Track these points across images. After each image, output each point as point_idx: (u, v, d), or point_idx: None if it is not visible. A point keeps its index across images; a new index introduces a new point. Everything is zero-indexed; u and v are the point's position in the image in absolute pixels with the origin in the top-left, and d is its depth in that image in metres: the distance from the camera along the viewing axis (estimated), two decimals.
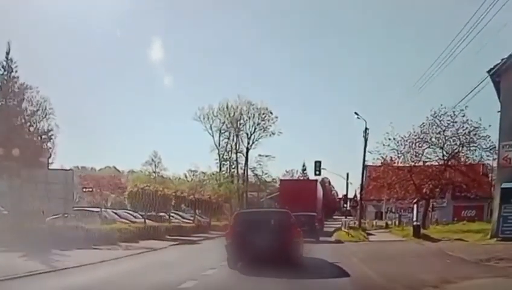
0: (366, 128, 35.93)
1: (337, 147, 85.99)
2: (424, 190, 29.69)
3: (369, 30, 69.68)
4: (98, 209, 23.03)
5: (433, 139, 30.40)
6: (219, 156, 60.45)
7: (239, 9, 67.91)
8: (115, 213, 24.84)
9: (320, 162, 36.70)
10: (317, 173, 36.81)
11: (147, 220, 24.95)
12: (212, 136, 59.00)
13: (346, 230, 27.21)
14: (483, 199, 42.49)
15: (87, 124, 74.24)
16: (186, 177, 59.96)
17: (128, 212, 26.16)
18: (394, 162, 30.64)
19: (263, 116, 58.30)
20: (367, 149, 33.99)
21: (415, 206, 24.00)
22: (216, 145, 59.74)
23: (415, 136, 30.72)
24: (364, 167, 35.39)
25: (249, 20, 70.17)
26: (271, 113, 58.18)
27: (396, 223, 43.96)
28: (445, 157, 31.10)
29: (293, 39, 72.86)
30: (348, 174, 41.95)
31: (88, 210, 22.34)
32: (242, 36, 74.31)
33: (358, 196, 43.49)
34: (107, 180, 48.37)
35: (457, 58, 21.15)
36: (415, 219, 23.40)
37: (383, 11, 64.38)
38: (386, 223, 41.86)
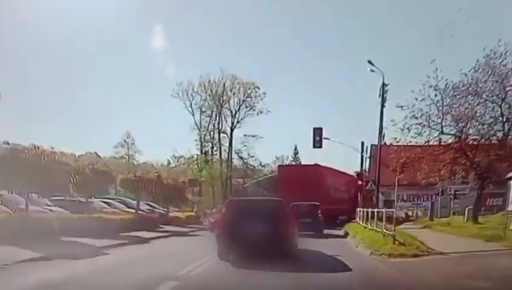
0: (384, 84, 26.08)
1: (340, 120, 68.87)
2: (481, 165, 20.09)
3: None
4: None
5: (490, 88, 20.80)
6: (200, 136, 55.00)
7: None
8: None
9: (321, 129, 26.42)
10: (318, 144, 26.60)
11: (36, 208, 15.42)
12: (193, 114, 53.12)
13: (383, 230, 14.79)
14: None
15: (66, 108, 66.32)
16: (170, 163, 55.10)
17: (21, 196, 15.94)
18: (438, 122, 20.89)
19: (249, 92, 52.18)
20: (395, 105, 22.74)
21: None
22: (197, 125, 53.87)
23: (462, 86, 21.13)
24: (382, 135, 25.26)
25: None
26: (258, 88, 52.08)
27: (417, 213, 34.68)
28: (505, 118, 21.53)
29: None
30: (362, 144, 31.32)
31: None
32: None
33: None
34: None
35: None
36: None
37: None
38: (406, 214, 32.06)
